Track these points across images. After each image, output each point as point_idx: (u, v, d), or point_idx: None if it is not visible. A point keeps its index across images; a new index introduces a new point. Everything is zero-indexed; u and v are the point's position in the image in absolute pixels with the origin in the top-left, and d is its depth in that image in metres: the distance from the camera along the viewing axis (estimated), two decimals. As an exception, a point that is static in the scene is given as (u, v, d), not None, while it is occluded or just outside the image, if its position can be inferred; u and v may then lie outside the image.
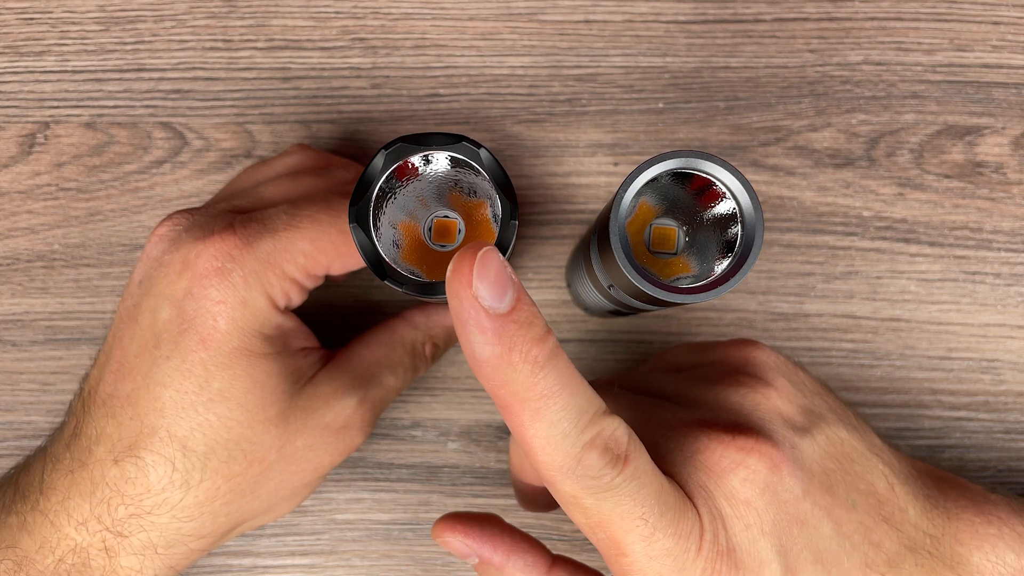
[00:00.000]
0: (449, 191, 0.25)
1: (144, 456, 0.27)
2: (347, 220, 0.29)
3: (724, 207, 0.23)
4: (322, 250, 0.29)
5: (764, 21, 0.36)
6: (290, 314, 0.30)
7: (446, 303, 0.34)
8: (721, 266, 0.23)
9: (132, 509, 0.27)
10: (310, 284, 0.30)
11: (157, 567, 0.28)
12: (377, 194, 0.23)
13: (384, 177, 0.23)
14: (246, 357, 0.28)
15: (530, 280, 0.37)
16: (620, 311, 0.30)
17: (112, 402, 0.28)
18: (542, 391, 0.19)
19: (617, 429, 0.20)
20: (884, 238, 0.36)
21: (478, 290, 0.18)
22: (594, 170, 0.37)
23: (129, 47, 0.36)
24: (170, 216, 0.29)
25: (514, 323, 0.18)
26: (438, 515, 0.37)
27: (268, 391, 0.28)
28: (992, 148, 0.36)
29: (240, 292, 0.28)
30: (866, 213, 0.36)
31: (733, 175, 0.22)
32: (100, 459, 0.27)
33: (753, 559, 0.22)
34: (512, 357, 0.19)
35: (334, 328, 0.37)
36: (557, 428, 0.19)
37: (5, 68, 0.36)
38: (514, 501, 0.37)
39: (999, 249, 0.36)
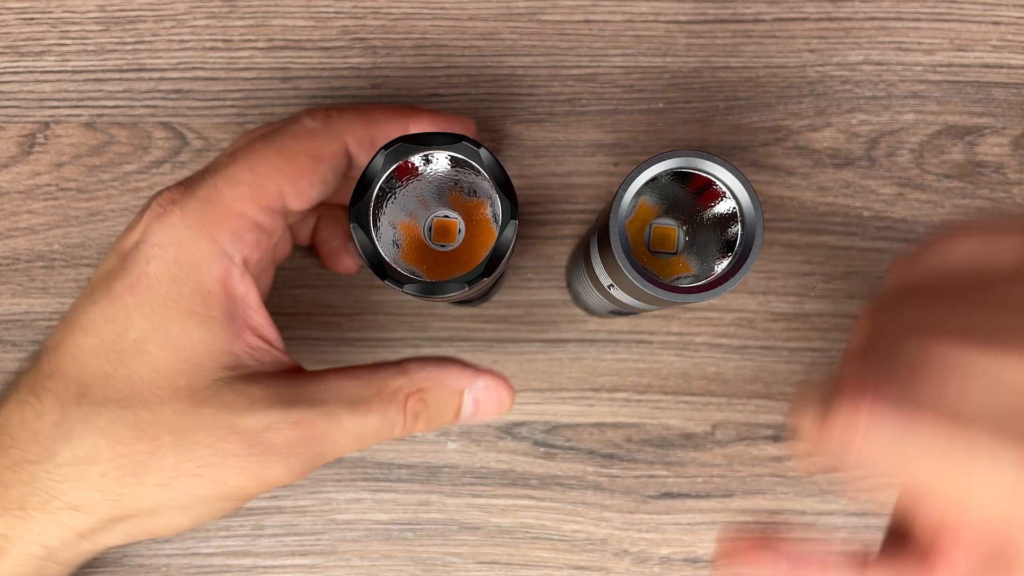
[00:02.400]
0: (449, 191, 0.25)
1: (45, 400, 0.26)
2: (310, 170, 0.28)
3: (724, 206, 0.23)
4: (265, 175, 0.27)
5: (764, 21, 0.36)
6: (248, 282, 0.27)
7: (446, 303, 0.34)
8: (721, 265, 0.23)
9: (17, 456, 0.26)
10: (267, 221, 0.27)
11: (25, 533, 0.26)
12: (377, 194, 0.23)
13: (384, 177, 0.23)
14: (172, 310, 0.26)
15: (530, 280, 0.37)
16: (620, 311, 0.30)
17: (43, 352, 0.27)
18: None
19: None
20: (884, 238, 0.36)
21: None
22: (594, 170, 0.37)
23: (129, 47, 0.36)
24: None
25: None
26: (438, 515, 0.37)
27: (184, 357, 0.26)
28: (992, 148, 0.36)
29: (177, 232, 0.26)
30: (866, 213, 0.36)
31: (733, 174, 0.22)
32: (10, 402, 0.26)
33: None
34: None
35: (334, 327, 0.37)
36: None
37: (5, 68, 0.36)
38: (520, 501, 0.37)
39: (999, 249, 0.36)
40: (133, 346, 0.26)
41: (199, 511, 0.27)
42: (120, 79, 0.36)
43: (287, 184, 0.27)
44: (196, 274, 0.26)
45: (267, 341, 0.28)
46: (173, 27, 0.36)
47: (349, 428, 0.26)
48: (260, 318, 0.27)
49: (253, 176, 0.27)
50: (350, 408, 0.26)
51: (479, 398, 0.28)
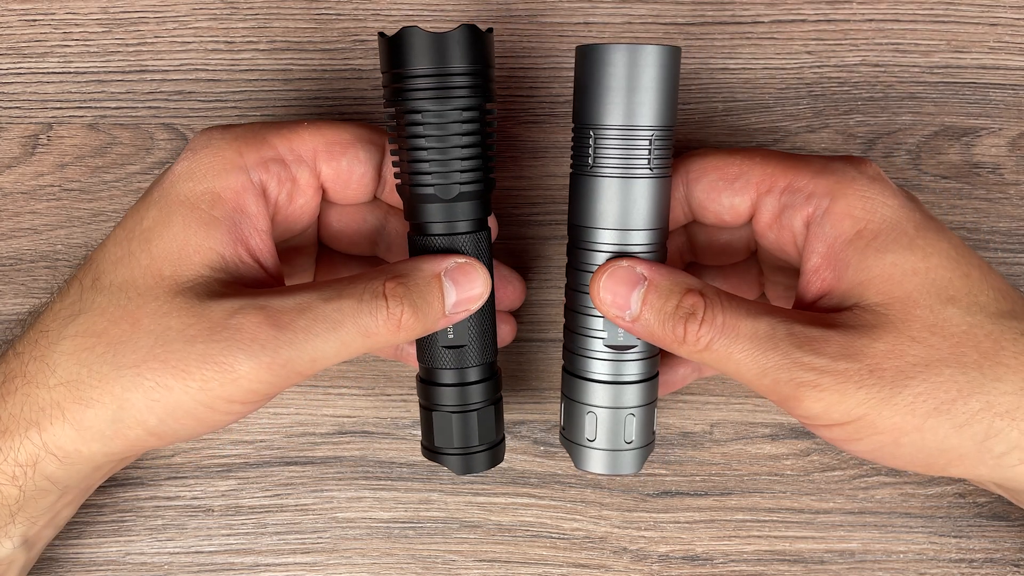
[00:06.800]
0: None
1: (71, 285, 0.29)
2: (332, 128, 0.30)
3: None
4: (306, 128, 0.30)
5: (762, 23, 0.36)
6: (262, 207, 0.29)
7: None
8: None
9: (37, 331, 0.28)
10: (295, 164, 0.29)
11: (26, 411, 0.27)
12: None
13: None
14: (182, 204, 0.28)
15: (530, 280, 0.37)
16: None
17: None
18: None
19: None
20: (881, 238, 0.37)
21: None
22: (593, 171, 0.37)
23: (131, 49, 0.36)
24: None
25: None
26: (438, 513, 0.38)
27: (176, 247, 0.27)
28: (989, 149, 0.37)
29: (212, 141, 0.29)
30: (863, 214, 0.37)
31: None
32: (60, 287, 0.30)
33: None
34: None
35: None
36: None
37: (8, 69, 0.36)
38: (520, 499, 0.37)
39: (996, 249, 0.37)
40: (142, 234, 0.28)
41: (166, 406, 0.26)
42: (122, 80, 0.36)
43: (322, 144, 0.30)
44: (213, 176, 0.28)
45: (262, 266, 0.29)
46: (175, 29, 0.36)
47: (322, 313, 0.26)
48: (262, 243, 0.29)
49: (295, 126, 0.30)
50: (322, 296, 0.26)
51: (456, 279, 0.28)
